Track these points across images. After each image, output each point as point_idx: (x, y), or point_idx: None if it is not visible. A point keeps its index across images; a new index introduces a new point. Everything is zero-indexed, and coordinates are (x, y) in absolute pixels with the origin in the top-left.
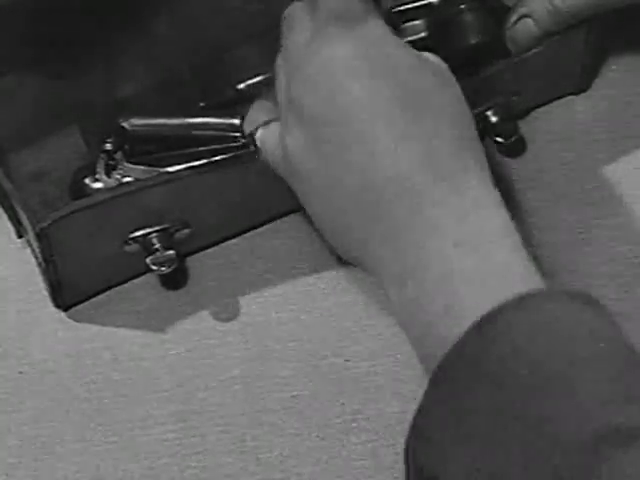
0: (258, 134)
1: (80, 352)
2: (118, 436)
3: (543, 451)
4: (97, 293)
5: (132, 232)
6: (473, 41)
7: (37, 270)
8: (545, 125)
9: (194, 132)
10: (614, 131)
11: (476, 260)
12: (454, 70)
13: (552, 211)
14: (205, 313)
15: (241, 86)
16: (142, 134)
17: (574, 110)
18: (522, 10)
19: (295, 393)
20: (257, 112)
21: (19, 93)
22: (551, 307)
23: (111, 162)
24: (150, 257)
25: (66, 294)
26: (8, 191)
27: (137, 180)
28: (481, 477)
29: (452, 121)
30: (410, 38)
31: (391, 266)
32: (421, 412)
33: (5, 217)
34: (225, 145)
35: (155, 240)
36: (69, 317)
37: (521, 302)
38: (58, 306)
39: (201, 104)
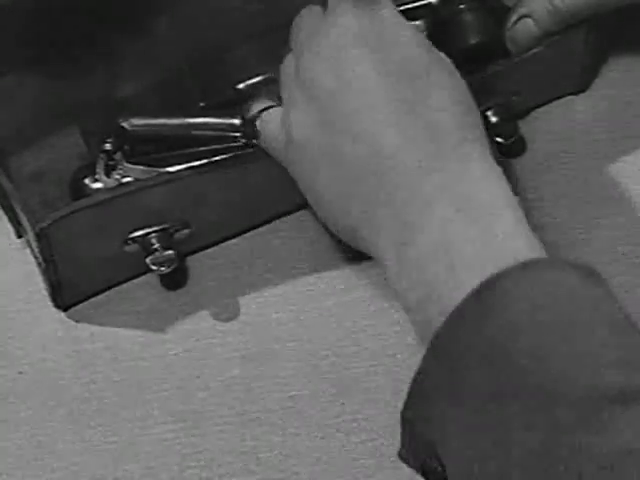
0: (259, 120)
1: (80, 352)
2: (118, 436)
3: (544, 408)
4: (97, 293)
5: (132, 232)
6: (473, 41)
7: (37, 270)
8: (545, 125)
9: (194, 132)
10: (614, 131)
11: (478, 227)
12: None
13: (552, 211)
14: (205, 313)
15: (241, 86)
16: (142, 134)
17: (574, 110)
18: (522, 10)
19: (295, 393)
20: (257, 103)
21: (19, 93)
22: (553, 275)
23: (111, 162)
24: (150, 257)
25: (66, 294)
26: (8, 191)
27: (137, 180)
28: (480, 439)
29: (456, 100)
30: None
31: (392, 230)
32: (418, 378)
33: (5, 217)
34: (225, 145)
35: (155, 240)
36: (69, 317)
37: (523, 268)
38: (58, 306)
39: (201, 104)
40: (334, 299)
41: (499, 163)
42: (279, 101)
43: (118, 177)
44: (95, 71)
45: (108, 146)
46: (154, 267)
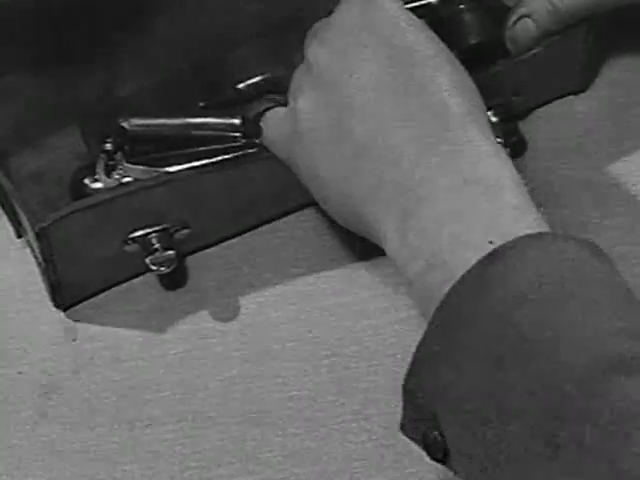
0: (265, 116)
1: (80, 352)
2: (118, 436)
3: (547, 376)
4: (97, 293)
5: (132, 232)
6: (473, 41)
7: (37, 270)
8: (545, 125)
9: (194, 132)
10: (614, 131)
11: (485, 199)
12: None
13: (552, 211)
14: (205, 313)
15: (241, 86)
16: (142, 134)
17: (574, 110)
18: (522, 10)
19: (295, 393)
20: (259, 103)
21: (19, 93)
22: (558, 247)
23: (111, 162)
24: (150, 257)
25: (66, 294)
26: (8, 191)
27: (137, 180)
28: (481, 407)
29: (459, 83)
30: None
31: (397, 203)
32: (421, 348)
33: (5, 217)
34: (225, 145)
35: (155, 240)
36: (69, 317)
37: (529, 240)
38: (58, 306)
39: (201, 104)
40: (334, 299)
41: None
42: (281, 104)
43: (118, 177)
44: (95, 71)
45: (108, 146)
46: (154, 267)
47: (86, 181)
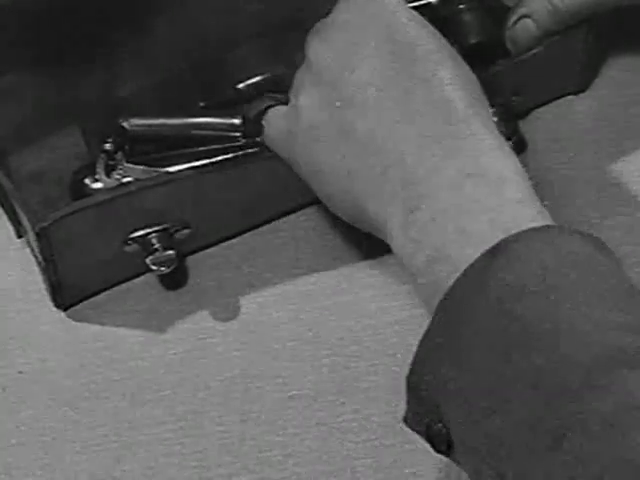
0: (266, 114)
1: (80, 352)
2: (118, 436)
3: (550, 368)
4: (97, 293)
5: (132, 232)
6: (472, 41)
7: (37, 270)
8: (545, 125)
9: (194, 132)
10: (614, 131)
11: (489, 192)
12: None
13: (552, 211)
14: (205, 313)
15: (241, 86)
16: (142, 134)
17: (574, 110)
18: (522, 10)
19: (295, 393)
20: (260, 102)
21: (19, 93)
22: (563, 240)
23: (111, 162)
24: (150, 257)
25: (66, 294)
26: (8, 191)
27: (137, 180)
28: (484, 398)
29: (461, 77)
30: None
31: (400, 197)
32: (425, 340)
33: (5, 217)
34: (225, 145)
35: (155, 240)
36: (69, 317)
37: (534, 233)
38: (58, 306)
39: (201, 104)
40: (334, 299)
41: None
42: (281, 103)
43: (118, 177)
44: (95, 71)
45: (108, 146)
46: (154, 267)
47: (86, 181)
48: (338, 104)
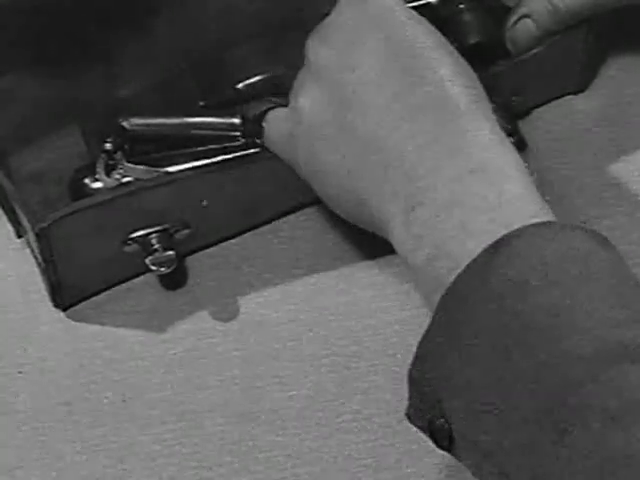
0: (266, 116)
1: (80, 352)
2: (118, 436)
3: (552, 363)
4: (97, 293)
5: (132, 232)
6: (472, 41)
7: (37, 270)
8: (545, 125)
9: (194, 132)
10: (614, 131)
11: (490, 187)
12: None
13: (552, 211)
14: (205, 313)
15: (241, 86)
16: (142, 134)
17: (574, 110)
18: (522, 10)
19: (295, 393)
20: (260, 103)
21: (19, 93)
22: (564, 236)
23: (111, 162)
24: (150, 257)
25: (66, 294)
26: (8, 191)
27: (137, 180)
28: (486, 393)
29: (460, 73)
30: None
31: (402, 194)
32: (427, 335)
33: (5, 217)
34: (225, 145)
35: (155, 240)
36: (69, 317)
37: (535, 229)
38: (58, 306)
39: (201, 104)
40: (334, 299)
41: None
42: (281, 105)
43: (118, 177)
44: (95, 71)
45: (108, 146)
46: (154, 267)
47: (86, 181)
48: (338, 103)
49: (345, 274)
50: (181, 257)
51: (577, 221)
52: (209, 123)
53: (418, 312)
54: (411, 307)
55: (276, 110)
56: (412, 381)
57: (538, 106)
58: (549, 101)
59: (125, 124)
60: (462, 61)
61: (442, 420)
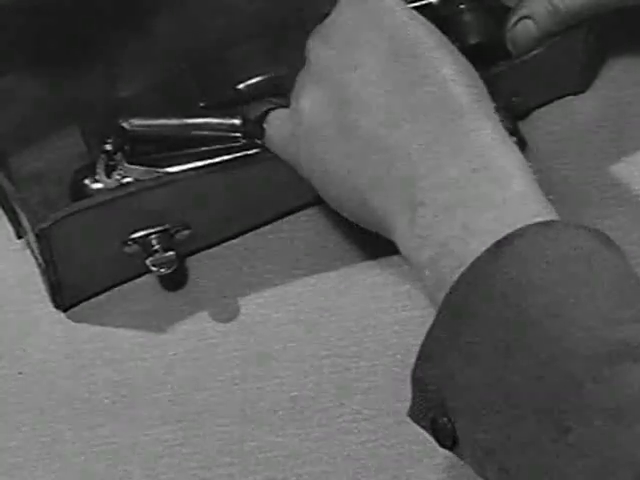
0: (268, 117)
1: (80, 352)
2: (118, 436)
3: (555, 361)
4: (97, 293)
5: (132, 233)
6: (473, 41)
7: (37, 270)
8: (545, 125)
9: (194, 132)
10: (614, 131)
11: (493, 187)
12: None
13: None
14: (205, 313)
15: (241, 86)
16: (142, 134)
17: (574, 110)
18: (522, 11)
19: (295, 393)
20: (261, 104)
21: (19, 93)
22: (567, 235)
23: (111, 162)
24: (150, 258)
25: (66, 294)
26: (8, 192)
27: (137, 181)
28: (489, 392)
29: (462, 73)
30: None
31: (405, 193)
32: (431, 335)
33: (5, 217)
34: (225, 145)
35: (155, 241)
36: (69, 317)
37: (538, 228)
38: (58, 306)
39: (201, 104)
40: (334, 299)
41: None
42: (282, 106)
43: (118, 177)
44: (95, 71)
45: (108, 146)
46: (154, 268)
47: (86, 181)
48: (339, 104)
49: (345, 274)
50: (181, 258)
51: (577, 221)
52: (209, 124)
53: (418, 312)
54: (411, 307)
55: (277, 111)
56: (415, 380)
57: (538, 106)
58: (549, 101)
59: (125, 125)
60: (464, 60)
61: (445, 419)
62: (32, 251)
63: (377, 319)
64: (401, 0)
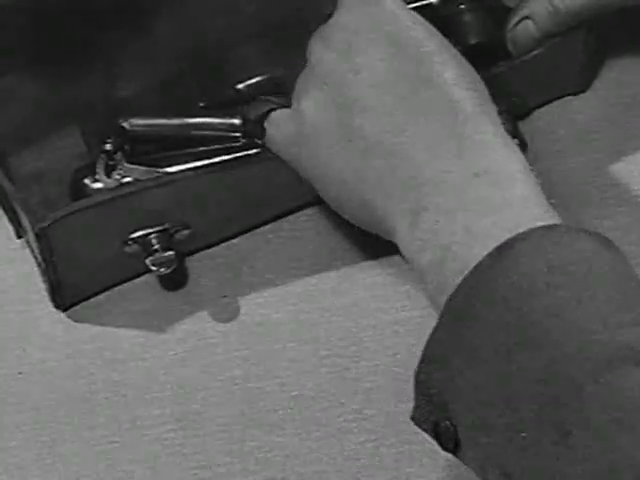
0: (268, 117)
1: (80, 352)
2: (118, 436)
3: (557, 364)
4: (97, 293)
5: (132, 233)
6: (473, 41)
7: (37, 270)
8: (545, 125)
9: (194, 132)
10: (614, 131)
11: (496, 191)
12: None
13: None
14: (205, 313)
15: (241, 86)
16: (142, 134)
17: (574, 110)
18: (523, 12)
19: (295, 393)
20: (262, 105)
21: (19, 93)
22: (569, 239)
23: (111, 162)
24: (150, 258)
25: (66, 294)
26: (8, 191)
27: (137, 181)
28: (492, 395)
29: (465, 76)
30: None
31: (407, 196)
32: (433, 338)
33: (5, 217)
34: (225, 145)
35: (155, 241)
36: (69, 317)
37: (541, 232)
38: (58, 306)
39: (201, 104)
40: (334, 299)
41: None
42: (282, 106)
43: (118, 177)
44: (95, 71)
45: (108, 146)
46: (154, 268)
47: (86, 181)
48: (342, 107)
49: (345, 274)
50: (181, 257)
51: (577, 221)
52: (209, 123)
53: (418, 312)
54: (411, 307)
55: (278, 111)
56: (418, 383)
57: (538, 107)
58: (549, 102)
59: (125, 124)
60: (466, 64)
61: (447, 422)
62: (32, 251)
63: (377, 319)
64: (402, 2)
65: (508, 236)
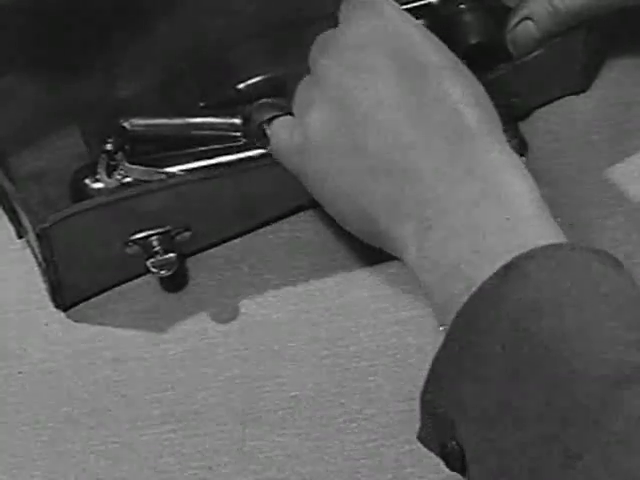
0: (269, 127)
1: (80, 352)
2: (118, 436)
3: (563, 385)
4: (97, 293)
5: (133, 234)
6: (473, 41)
7: (37, 270)
8: (545, 125)
9: (194, 132)
10: (614, 131)
11: (504, 210)
12: None
13: (552, 211)
14: (205, 313)
15: (241, 86)
16: (143, 134)
17: (574, 110)
18: (523, 12)
19: (295, 393)
20: (264, 108)
21: (19, 93)
22: (575, 258)
23: (112, 162)
24: (150, 260)
25: (66, 294)
26: (8, 191)
27: (138, 182)
28: (498, 416)
29: (472, 93)
30: None
31: (415, 215)
32: (440, 356)
33: (5, 217)
34: (225, 145)
35: (156, 243)
36: (69, 317)
37: (547, 251)
38: (58, 306)
39: (201, 104)
40: (334, 299)
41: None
42: (283, 107)
43: (119, 177)
44: (95, 71)
45: (109, 146)
46: (155, 270)
47: (87, 181)
48: (350, 124)
49: (345, 274)
50: (181, 258)
51: (577, 221)
52: (210, 123)
53: (418, 312)
54: (411, 308)
55: (282, 119)
56: (424, 404)
57: (539, 107)
58: (550, 102)
59: (126, 124)
60: (473, 79)
61: (454, 443)
62: (32, 251)
63: (377, 319)
64: (409, 15)
65: (515, 255)
